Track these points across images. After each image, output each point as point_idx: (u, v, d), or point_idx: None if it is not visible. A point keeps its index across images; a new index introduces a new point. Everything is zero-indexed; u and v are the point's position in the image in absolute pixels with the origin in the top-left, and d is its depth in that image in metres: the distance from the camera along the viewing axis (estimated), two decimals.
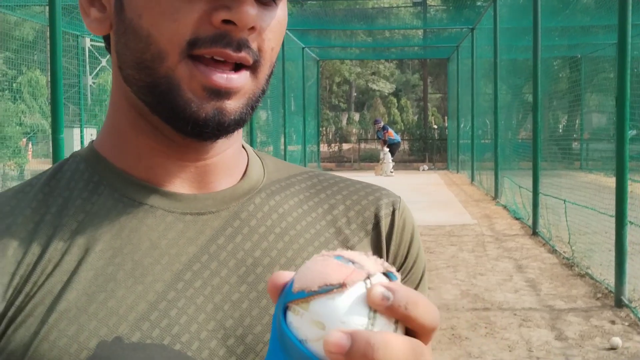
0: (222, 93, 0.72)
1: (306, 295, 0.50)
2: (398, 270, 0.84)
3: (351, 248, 0.82)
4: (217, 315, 0.74)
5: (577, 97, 13.37)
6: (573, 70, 14.04)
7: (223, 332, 0.74)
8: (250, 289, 0.76)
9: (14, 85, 14.05)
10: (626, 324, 5.71)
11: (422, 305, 0.50)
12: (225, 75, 0.72)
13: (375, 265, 0.51)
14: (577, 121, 15.64)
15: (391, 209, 0.87)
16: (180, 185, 0.80)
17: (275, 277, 0.54)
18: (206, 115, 0.72)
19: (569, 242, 8.35)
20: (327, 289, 0.49)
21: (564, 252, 8.40)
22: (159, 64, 0.72)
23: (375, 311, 0.49)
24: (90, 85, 16.91)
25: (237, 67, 0.73)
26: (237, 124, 0.75)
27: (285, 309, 0.52)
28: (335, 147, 32.98)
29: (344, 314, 0.49)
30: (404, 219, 0.87)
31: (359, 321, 0.49)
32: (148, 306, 0.72)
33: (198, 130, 0.73)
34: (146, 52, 0.73)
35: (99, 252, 0.74)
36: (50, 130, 6.20)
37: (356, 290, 0.49)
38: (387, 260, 0.84)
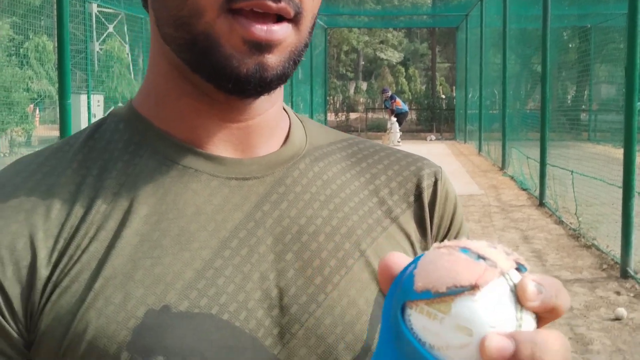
0: (263, 46, 0.69)
1: (432, 297, 0.45)
2: (442, 242, 0.84)
3: (395, 219, 0.81)
4: (263, 285, 0.72)
5: (586, 68, 13.28)
6: (582, 40, 13.93)
7: (269, 301, 0.72)
8: (295, 258, 0.74)
9: (21, 50, 14.02)
10: (631, 295, 5.73)
11: (563, 291, 0.48)
12: (265, 27, 0.68)
13: (507, 260, 0.47)
14: (585, 92, 15.54)
15: (433, 179, 0.85)
16: (223, 148, 0.77)
17: (389, 261, 0.50)
18: (247, 70, 0.69)
19: (575, 213, 8.35)
20: (457, 291, 0.45)
21: (571, 223, 8.40)
22: (196, 19, 0.69)
23: (521, 309, 0.46)
24: (97, 52, 16.87)
25: (279, 19, 0.70)
26: (280, 79, 0.72)
27: (402, 307, 0.47)
28: (342, 117, 32.92)
29: (492, 317, 0.44)
30: (447, 189, 0.86)
31: (509, 323, 0.45)
32: (195, 274, 0.70)
33: (240, 87, 0.70)
34: (183, 8, 0.70)
35: (144, 217, 0.72)
36: (57, 97, 6.20)
37: (499, 290, 0.45)
38: (430, 232, 0.83)
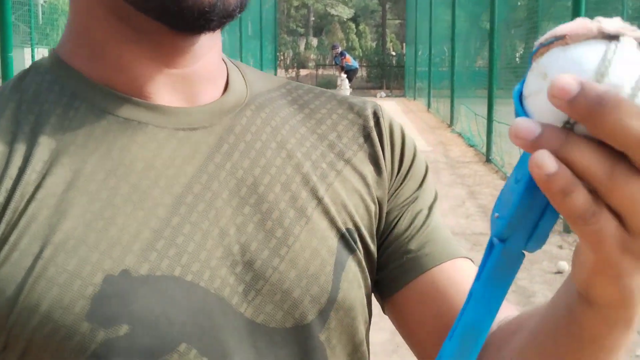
0: None
1: (537, 49, 0.46)
2: (397, 174, 0.81)
3: (348, 161, 0.78)
4: (224, 241, 0.68)
5: (534, 26, 13.40)
6: None
7: (231, 258, 0.68)
8: (254, 211, 0.70)
9: None
10: (573, 248, 5.88)
11: None
12: None
13: (622, 27, 0.44)
14: (533, 50, 15.69)
15: (375, 118, 0.83)
16: (167, 97, 0.72)
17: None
18: (210, 0, 0.65)
19: None
20: (551, 41, 0.45)
21: None
22: None
23: (604, 74, 0.42)
24: (42, 4, 16.45)
25: None
26: (240, 7, 0.68)
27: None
28: (292, 73, 32.75)
29: (570, 66, 0.43)
30: (389, 122, 0.84)
31: (586, 76, 0.42)
32: (152, 234, 0.65)
33: (206, 18, 0.66)
34: None
35: (89, 174, 0.66)
36: None
37: (591, 47, 0.43)
38: (385, 167, 0.81)
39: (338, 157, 0.78)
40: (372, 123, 0.82)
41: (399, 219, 0.80)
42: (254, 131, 0.75)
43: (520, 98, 0.47)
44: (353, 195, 0.77)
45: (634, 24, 0.46)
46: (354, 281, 0.74)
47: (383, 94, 27.57)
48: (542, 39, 0.46)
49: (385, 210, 0.80)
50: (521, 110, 0.46)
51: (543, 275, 5.19)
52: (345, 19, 41.50)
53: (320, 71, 32.36)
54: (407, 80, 27.28)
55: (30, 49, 14.08)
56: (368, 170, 0.79)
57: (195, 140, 0.71)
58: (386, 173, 0.81)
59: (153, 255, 0.65)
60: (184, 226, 0.67)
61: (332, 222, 0.74)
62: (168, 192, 0.68)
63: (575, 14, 6.10)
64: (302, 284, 0.70)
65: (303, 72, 32.96)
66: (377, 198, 0.79)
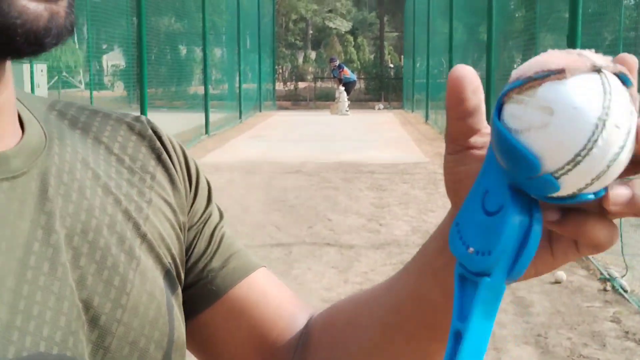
0: None
1: (521, 83, 0.45)
2: (190, 191, 0.79)
3: (151, 187, 0.73)
4: (75, 300, 0.61)
5: (532, 37, 13.45)
6: (528, 9, 14.10)
7: (81, 319, 0.61)
8: (89, 262, 0.63)
9: None
10: None
11: None
12: None
13: (604, 60, 0.45)
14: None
15: (157, 135, 0.77)
16: None
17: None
18: (43, 22, 0.56)
19: None
20: (544, 75, 0.44)
21: None
22: None
23: (609, 107, 0.43)
24: None
25: None
26: (70, 30, 0.59)
27: (501, 106, 0.47)
28: (291, 86, 32.87)
29: (577, 99, 0.43)
30: (169, 138, 0.79)
31: (594, 110, 0.43)
32: (9, 309, 0.56)
33: (40, 43, 0.57)
34: None
35: None
36: None
37: (589, 80, 0.44)
38: (180, 185, 0.77)
39: (142, 184, 0.73)
40: (158, 143, 0.77)
41: (199, 237, 0.79)
42: (68, 170, 0.66)
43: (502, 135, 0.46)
44: (166, 224, 0.73)
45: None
46: (181, 316, 0.72)
47: (381, 106, 27.62)
48: (526, 72, 0.46)
49: (186, 232, 0.78)
50: (519, 145, 0.45)
51: (541, 285, 5.19)
52: (343, 32, 41.66)
53: (318, 84, 32.44)
54: (405, 92, 27.34)
55: (29, 64, 14.12)
56: (170, 194, 0.75)
57: (20, 190, 0.61)
58: (183, 193, 0.77)
59: (15, 335, 0.55)
60: (36, 293, 0.58)
61: (157, 258, 0.70)
62: (11, 257, 0.58)
63: (572, 25, 6.12)
64: (145, 331, 0.66)
65: (301, 84, 33.05)
66: (182, 223, 0.76)
